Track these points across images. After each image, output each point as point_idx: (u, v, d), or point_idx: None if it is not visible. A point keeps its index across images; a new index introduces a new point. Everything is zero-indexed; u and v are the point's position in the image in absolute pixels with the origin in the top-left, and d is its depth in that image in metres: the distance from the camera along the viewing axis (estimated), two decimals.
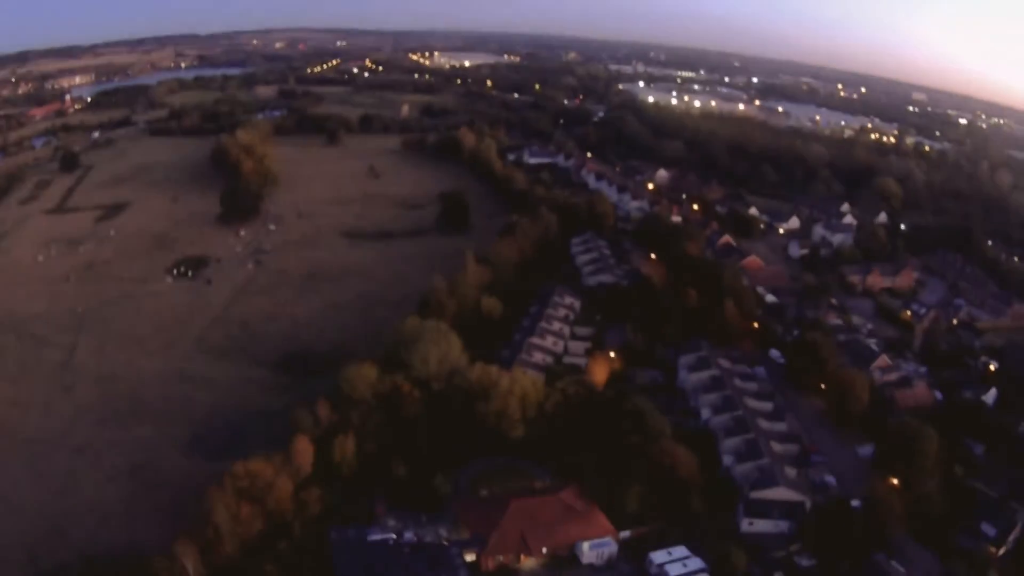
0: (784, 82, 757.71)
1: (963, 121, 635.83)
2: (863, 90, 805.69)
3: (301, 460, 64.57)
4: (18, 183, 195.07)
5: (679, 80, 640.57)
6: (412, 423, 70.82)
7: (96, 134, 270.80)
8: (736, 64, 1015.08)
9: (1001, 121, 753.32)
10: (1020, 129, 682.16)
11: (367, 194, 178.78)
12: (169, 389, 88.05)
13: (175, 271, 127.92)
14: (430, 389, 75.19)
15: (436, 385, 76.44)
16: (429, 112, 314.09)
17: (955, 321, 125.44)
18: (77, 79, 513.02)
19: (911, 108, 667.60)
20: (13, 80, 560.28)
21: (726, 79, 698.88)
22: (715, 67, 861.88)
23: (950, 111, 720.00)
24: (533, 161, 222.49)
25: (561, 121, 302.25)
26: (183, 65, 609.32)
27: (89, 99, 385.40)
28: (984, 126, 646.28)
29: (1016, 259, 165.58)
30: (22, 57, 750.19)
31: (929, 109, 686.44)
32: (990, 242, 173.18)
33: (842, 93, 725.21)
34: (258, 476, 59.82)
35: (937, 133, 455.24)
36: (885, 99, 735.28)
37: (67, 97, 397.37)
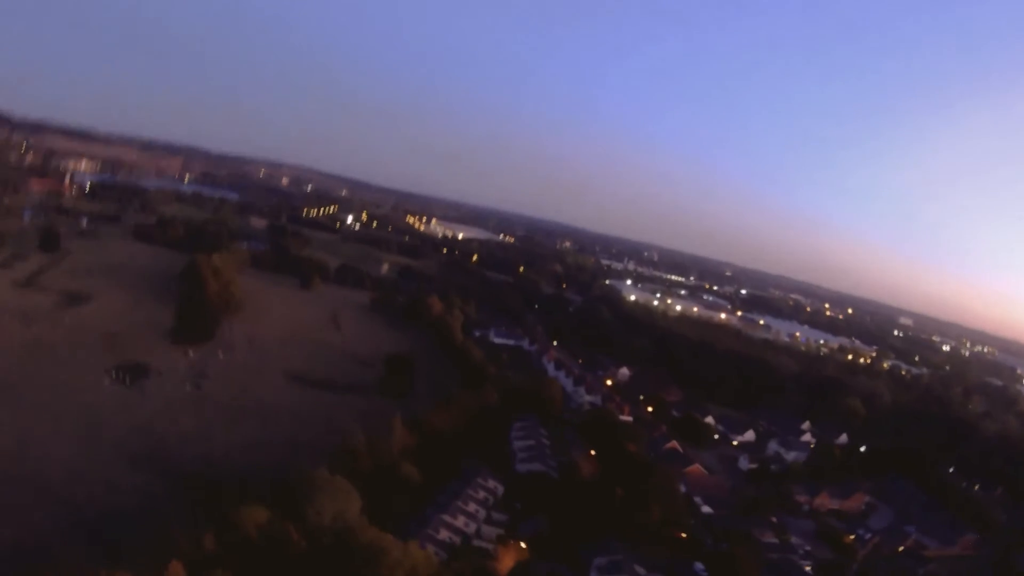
0: (772, 296, 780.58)
1: (946, 348, 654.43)
2: (849, 311, 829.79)
3: None
4: None
5: (667, 283, 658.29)
6: (292, 572, 70.97)
7: (84, 222, 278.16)
8: (728, 273, 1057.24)
9: (985, 349, 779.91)
10: (1003, 357, 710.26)
11: (323, 342, 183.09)
12: (72, 477, 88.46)
13: (114, 373, 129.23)
14: (320, 542, 75.77)
15: (326, 540, 76.78)
16: (407, 274, 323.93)
17: (901, 548, 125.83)
18: (83, 164, 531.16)
19: (896, 332, 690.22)
20: (23, 147, 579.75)
21: (714, 287, 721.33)
22: (706, 274, 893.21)
23: (935, 337, 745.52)
24: (498, 340, 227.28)
25: (535, 306, 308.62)
26: (186, 178, 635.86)
27: (88, 186, 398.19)
28: (967, 353, 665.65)
29: (976, 487, 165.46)
30: (38, 127, 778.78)
31: (911, 334, 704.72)
32: (952, 469, 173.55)
33: (828, 312, 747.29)
34: None
35: (916, 358, 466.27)
36: (870, 321, 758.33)
37: (67, 179, 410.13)
